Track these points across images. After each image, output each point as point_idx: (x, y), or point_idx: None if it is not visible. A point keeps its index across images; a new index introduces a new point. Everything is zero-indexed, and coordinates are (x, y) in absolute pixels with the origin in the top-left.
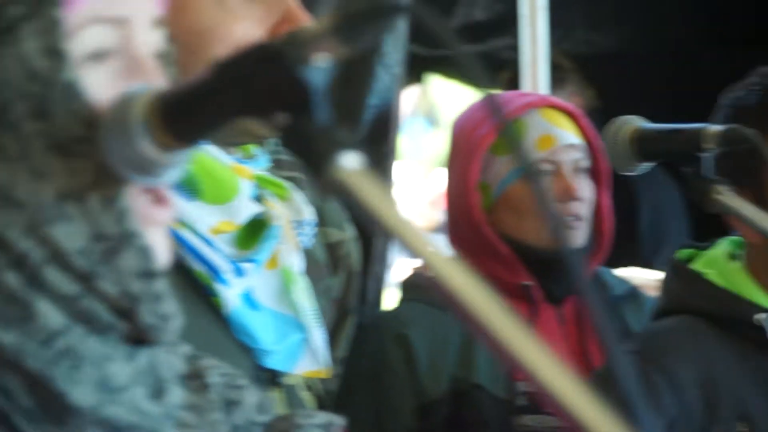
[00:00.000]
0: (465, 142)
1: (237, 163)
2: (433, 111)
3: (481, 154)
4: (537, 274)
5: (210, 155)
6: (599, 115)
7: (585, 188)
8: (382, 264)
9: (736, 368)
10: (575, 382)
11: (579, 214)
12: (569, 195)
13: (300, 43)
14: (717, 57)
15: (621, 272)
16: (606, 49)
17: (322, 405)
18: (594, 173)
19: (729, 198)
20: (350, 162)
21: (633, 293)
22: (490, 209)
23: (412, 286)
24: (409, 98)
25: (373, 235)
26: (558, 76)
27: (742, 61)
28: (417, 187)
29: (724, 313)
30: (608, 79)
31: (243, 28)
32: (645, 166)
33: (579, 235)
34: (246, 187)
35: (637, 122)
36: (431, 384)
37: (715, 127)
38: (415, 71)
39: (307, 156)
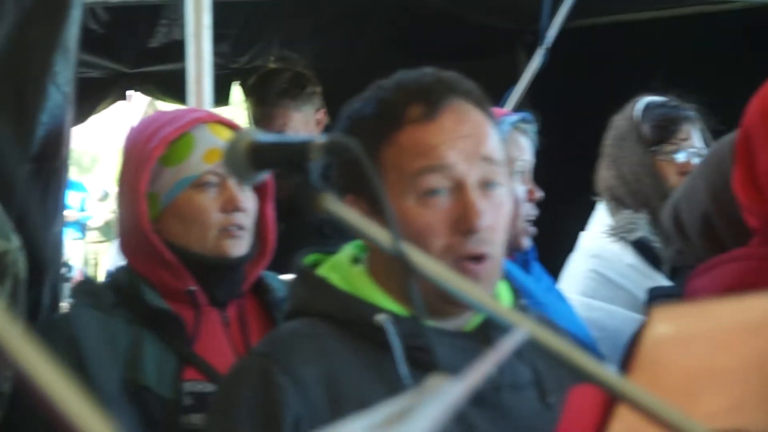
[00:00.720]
0: (137, 152)
1: None
2: None
3: (151, 164)
4: (201, 280)
5: None
6: None
7: (249, 200)
8: (56, 271)
9: (359, 367)
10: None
11: (242, 224)
12: (233, 206)
13: None
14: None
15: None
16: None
17: None
18: (258, 186)
19: (335, 206)
20: None
21: None
22: (157, 218)
23: (82, 292)
24: (133, 112)
25: (45, 244)
26: (308, 93)
27: None
28: None
29: (346, 315)
30: None
31: None
32: (261, 176)
33: (242, 244)
34: None
35: (253, 135)
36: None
37: (320, 139)
38: (119, 88)
39: None
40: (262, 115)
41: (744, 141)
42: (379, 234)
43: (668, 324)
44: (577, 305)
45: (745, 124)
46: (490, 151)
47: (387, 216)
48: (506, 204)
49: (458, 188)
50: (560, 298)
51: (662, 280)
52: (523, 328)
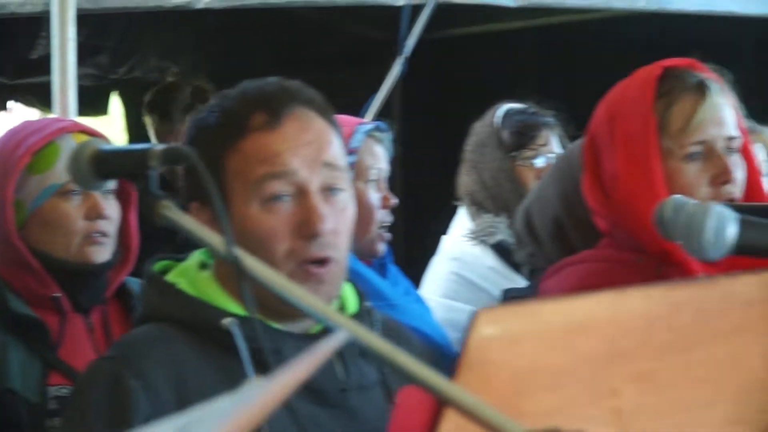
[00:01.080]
0: (3, 160)
1: None
2: None
3: (18, 172)
4: (65, 286)
5: None
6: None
7: (112, 207)
8: None
9: (207, 370)
10: None
11: (105, 231)
12: (96, 213)
13: None
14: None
15: None
16: (179, 74)
17: None
18: (121, 194)
19: (174, 213)
20: None
21: None
22: (23, 225)
23: None
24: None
25: None
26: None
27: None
28: None
29: (194, 320)
30: None
31: None
32: (107, 184)
33: (105, 250)
34: None
35: (97, 144)
36: None
37: (159, 147)
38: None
39: None
40: (166, 131)
41: (590, 146)
42: (215, 240)
43: (494, 325)
44: (438, 307)
45: (591, 130)
46: (332, 158)
47: (221, 221)
48: (349, 209)
49: (301, 194)
50: (417, 300)
51: (522, 282)
52: (344, 331)
